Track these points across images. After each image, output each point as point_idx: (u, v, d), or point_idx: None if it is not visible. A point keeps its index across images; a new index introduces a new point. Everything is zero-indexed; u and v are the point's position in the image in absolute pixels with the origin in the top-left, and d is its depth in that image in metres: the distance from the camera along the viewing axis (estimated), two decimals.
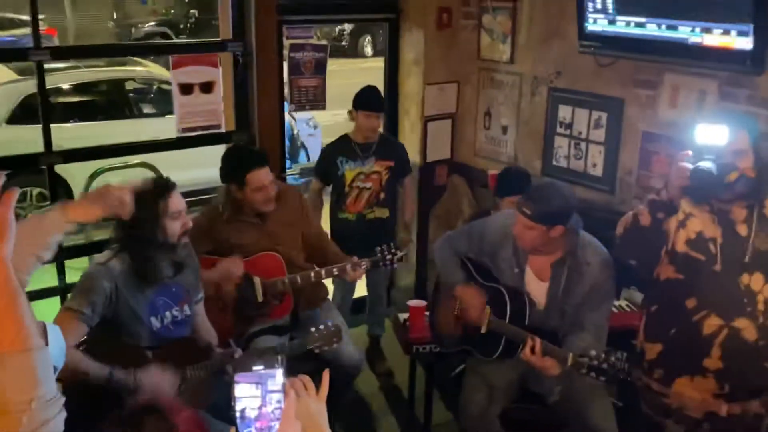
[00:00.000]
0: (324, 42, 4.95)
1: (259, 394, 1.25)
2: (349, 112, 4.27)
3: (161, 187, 2.70)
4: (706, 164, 2.33)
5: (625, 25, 3.72)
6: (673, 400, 2.65)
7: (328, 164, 4.29)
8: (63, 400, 1.38)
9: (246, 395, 1.25)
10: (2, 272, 1.30)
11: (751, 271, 2.49)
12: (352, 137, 4.25)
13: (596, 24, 3.85)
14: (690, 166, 2.34)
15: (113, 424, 1.32)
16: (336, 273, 3.40)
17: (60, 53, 4.68)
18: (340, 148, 4.28)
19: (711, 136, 2.40)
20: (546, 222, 2.85)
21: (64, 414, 1.38)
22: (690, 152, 2.37)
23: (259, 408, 1.25)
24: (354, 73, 13.66)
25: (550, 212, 2.85)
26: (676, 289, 2.60)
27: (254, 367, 1.26)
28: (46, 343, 1.36)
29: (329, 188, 4.39)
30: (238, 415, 1.25)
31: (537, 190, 2.98)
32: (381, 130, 4.37)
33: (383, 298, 4.64)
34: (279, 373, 1.27)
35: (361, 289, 4.61)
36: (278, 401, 1.26)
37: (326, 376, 1.60)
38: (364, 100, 4.19)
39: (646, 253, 2.67)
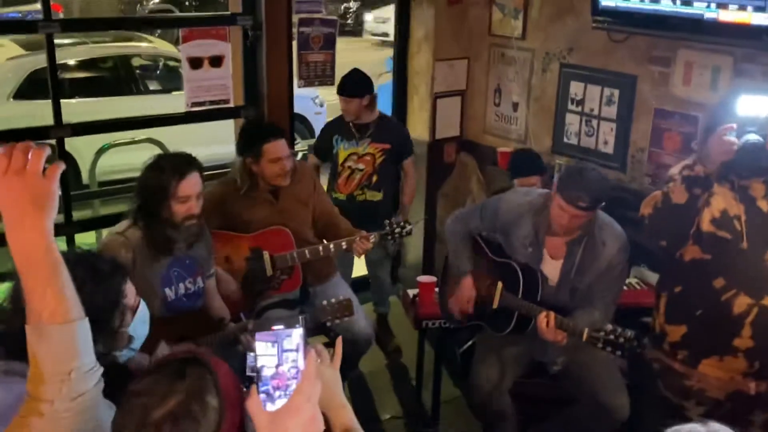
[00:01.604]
0: (333, 17, 4.89)
1: (275, 352, 1.25)
2: None
3: (180, 165, 2.69)
4: (754, 137, 2.30)
5: (639, 1, 3.68)
6: (698, 382, 2.64)
7: (324, 141, 4.29)
8: (101, 371, 1.39)
9: (263, 353, 1.25)
10: (43, 243, 1.32)
11: None
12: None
13: None
14: (735, 139, 2.29)
15: (153, 376, 1.33)
16: (345, 247, 3.40)
17: (70, 25, 4.64)
18: (337, 127, 4.28)
19: (754, 107, 2.36)
20: (594, 207, 2.85)
21: (101, 385, 1.39)
22: (735, 126, 2.32)
23: (276, 366, 1.25)
24: (361, 52, 13.59)
25: (600, 198, 2.86)
26: (702, 269, 2.57)
27: (274, 327, 1.26)
28: (84, 316, 1.37)
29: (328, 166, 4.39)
30: (255, 373, 1.24)
31: (581, 178, 2.85)
32: (377, 111, 4.28)
33: (384, 278, 4.61)
34: (296, 333, 1.26)
35: (363, 268, 4.60)
36: (293, 360, 1.26)
37: (339, 343, 1.60)
38: (340, 86, 4.19)
39: (679, 232, 2.58)
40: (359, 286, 4.69)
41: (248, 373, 1.26)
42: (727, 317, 2.53)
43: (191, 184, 2.68)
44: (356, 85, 4.18)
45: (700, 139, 2.70)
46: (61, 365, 1.33)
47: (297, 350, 1.27)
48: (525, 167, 3.88)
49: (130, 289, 1.85)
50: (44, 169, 1.33)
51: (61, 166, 1.35)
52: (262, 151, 3.30)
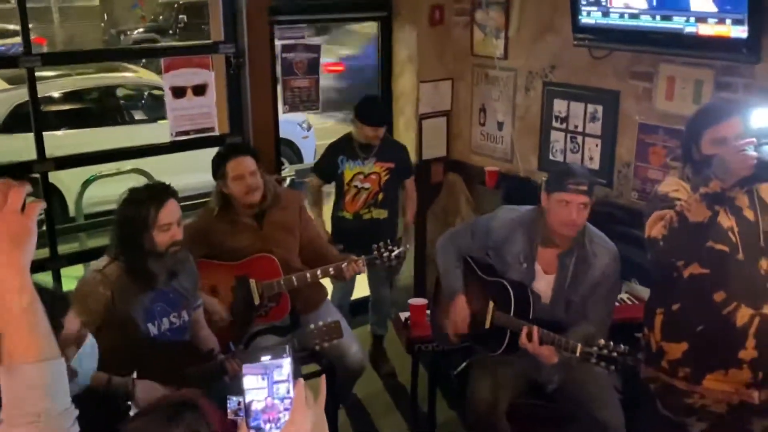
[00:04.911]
0: (316, 42, 4.90)
1: (265, 385, 1.23)
2: (352, 120, 4.24)
3: (157, 194, 2.67)
4: None
5: (619, 17, 3.71)
6: (700, 398, 2.62)
7: (329, 162, 4.28)
8: (76, 413, 1.35)
9: (253, 387, 1.23)
10: (18, 281, 1.28)
11: None
12: (355, 137, 4.22)
13: (590, 16, 3.84)
14: (755, 154, 2.28)
15: (149, 417, 1.30)
16: (332, 272, 3.38)
17: (51, 59, 4.62)
18: (342, 147, 4.27)
19: (766, 119, 2.39)
20: (592, 194, 2.88)
21: (76, 428, 1.35)
22: (755, 140, 2.31)
23: (265, 399, 1.23)
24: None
25: (593, 182, 2.90)
26: (702, 284, 2.55)
27: (262, 358, 1.24)
28: (60, 356, 1.33)
29: (331, 186, 4.38)
30: (244, 408, 1.22)
31: (568, 168, 2.99)
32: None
33: (387, 297, 4.61)
34: (286, 363, 1.24)
35: (363, 290, 4.59)
36: (286, 391, 1.24)
37: (323, 382, 1.56)
38: (368, 114, 4.16)
39: (696, 250, 2.52)
40: (359, 308, 4.68)
41: (230, 417, 1.24)
42: (731, 330, 2.52)
43: (170, 211, 2.65)
44: (383, 113, 4.23)
45: (684, 151, 2.68)
46: (31, 406, 1.28)
47: (288, 380, 1.25)
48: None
49: (71, 321, 1.82)
50: (24, 206, 1.31)
51: (41, 205, 1.34)
52: (226, 171, 3.32)
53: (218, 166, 3.37)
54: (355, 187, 4.25)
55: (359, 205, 4.27)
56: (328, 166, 4.29)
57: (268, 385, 1.23)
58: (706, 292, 2.54)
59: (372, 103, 4.25)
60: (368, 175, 4.24)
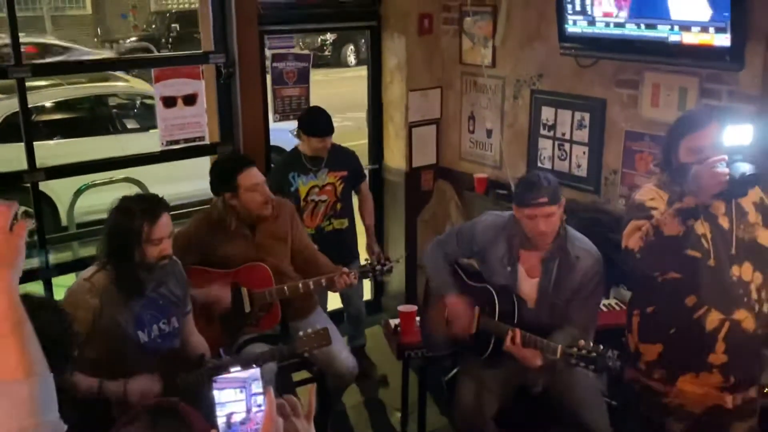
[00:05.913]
0: (306, 51, 4.94)
1: (243, 397, 1.25)
2: (297, 134, 4.17)
3: (150, 208, 2.65)
4: (747, 166, 2.34)
5: (605, 26, 3.75)
6: (675, 399, 2.66)
7: (280, 180, 4.13)
8: (65, 428, 1.36)
9: (230, 400, 1.24)
10: (6, 299, 1.29)
11: (740, 263, 2.55)
12: (302, 151, 4.14)
13: (576, 25, 3.88)
14: (727, 170, 2.32)
15: (128, 428, 1.31)
16: (324, 284, 3.39)
17: (41, 69, 4.65)
18: (290, 164, 4.18)
19: (738, 136, 2.44)
20: (557, 200, 2.89)
21: None
22: (726, 157, 2.36)
23: (245, 411, 1.24)
24: (338, 83, 13.71)
25: (554, 189, 2.91)
26: (675, 288, 2.60)
27: (232, 369, 1.26)
28: (49, 372, 1.35)
29: None
30: (223, 421, 1.23)
31: (527, 182, 2.98)
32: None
33: (360, 309, 4.58)
34: (259, 375, 1.27)
35: (337, 302, 4.57)
36: (259, 405, 1.26)
37: (312, 393, 1.58)
38: (315, 127, 4.07)
39: (674, 262, 2.56)
40: (333, 319, 4.66)
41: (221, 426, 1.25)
42: (701, 334, 2.57)
43: (163, 226, 2.65)
44: (329, 123, 4.11)
45: (663, 158, 2.73)
46: (21, 422, 1.28)
47: (264, 393, 1.27)
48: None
49: None
50: (12, 225, 1.32)
51: (29, 224, 1.35)
52: (237, 183, 3.29)
53: (227, 179, 3.31)
54: (312, 201, 4.17)
55: (319, 219, 4.20)
56: (279, 185, 4.08)
57: (246, 398, 1.25)
58: (678, 295, 2.60)
59: (316, 114, 4.15)
60: (323, 186, 4.17)
